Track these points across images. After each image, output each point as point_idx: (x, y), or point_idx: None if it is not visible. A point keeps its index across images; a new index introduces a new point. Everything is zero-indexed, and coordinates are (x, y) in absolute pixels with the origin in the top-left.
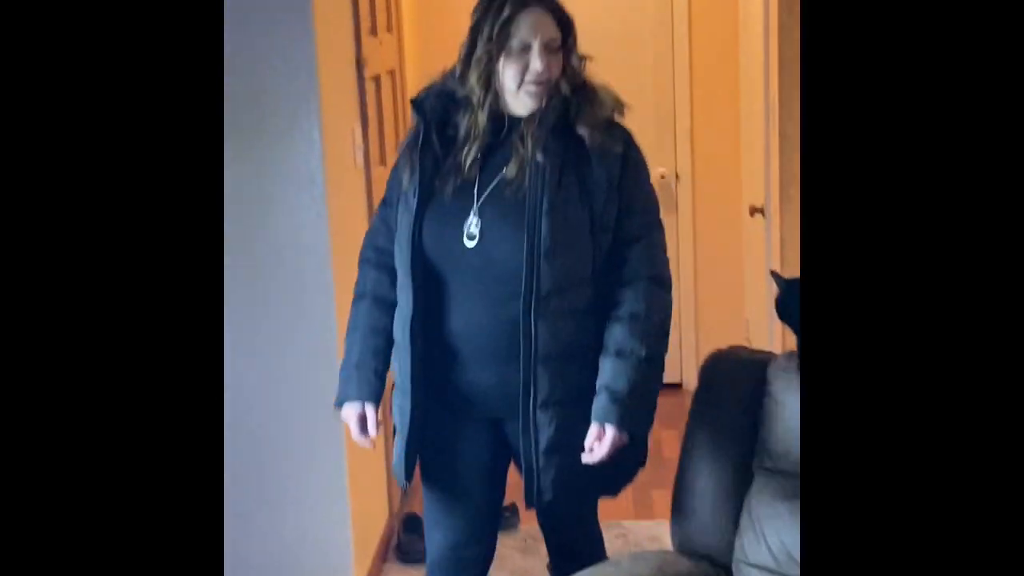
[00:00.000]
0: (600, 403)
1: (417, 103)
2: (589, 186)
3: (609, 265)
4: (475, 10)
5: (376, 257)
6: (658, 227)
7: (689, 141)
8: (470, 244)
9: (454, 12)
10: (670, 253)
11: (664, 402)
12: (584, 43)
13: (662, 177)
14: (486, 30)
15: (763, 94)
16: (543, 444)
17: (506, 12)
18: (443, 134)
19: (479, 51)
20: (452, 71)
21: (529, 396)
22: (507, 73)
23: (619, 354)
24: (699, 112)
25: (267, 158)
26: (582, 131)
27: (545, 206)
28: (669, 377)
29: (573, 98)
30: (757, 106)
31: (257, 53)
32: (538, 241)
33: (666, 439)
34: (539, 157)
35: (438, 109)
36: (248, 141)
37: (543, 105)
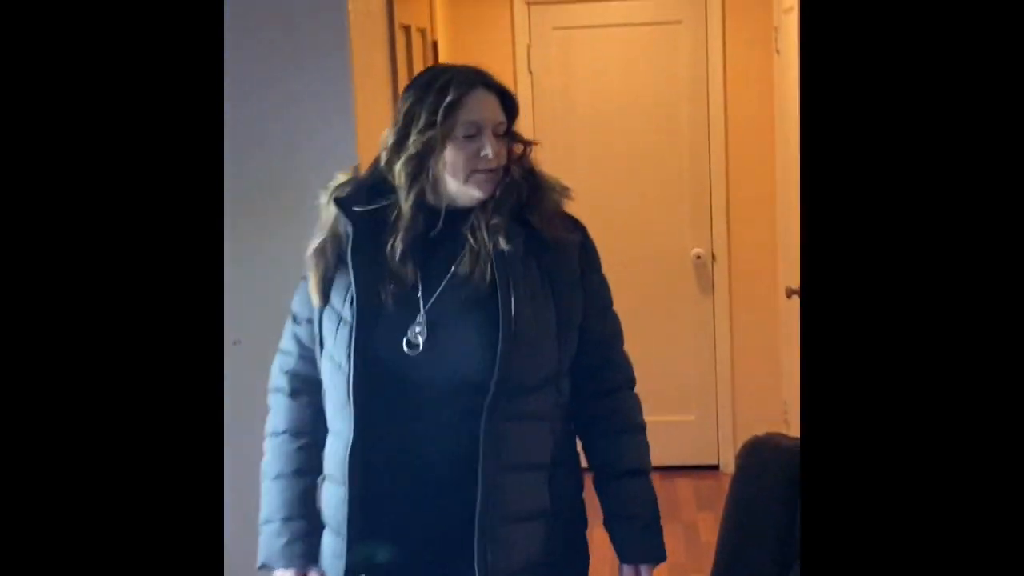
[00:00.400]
0: (631, 539)
1: (342, 202)
2: (552, 278)
3: (579, 367)
4: (406, 95)
5: (290, 384)
6: (619, 323)
7: (725, 221)
8: (415, 353)
9: None
10: (707, 333)
11: (701, 484)
12: (620, 123)
13: (698, 258)
14: (424, 115)
15: (799, 174)
16: (504, 567)
17: (451, 95)
18: (375, 236)
19: (413, 138)
20: (376, 161)
21: (487, 509)
22: (455, 162)
23: (631, 474)
24: (735, 192)
25: (304, 223)
26: (537, 220)
27: (515, 297)
28: (706, 458)
29: (524, 185)
30: (793, 186)
31: (297, 121)
32: (508, 336)
33: (702, 521)
34: (503, 245)
35: (364, 202)
36: (287, 209)
37: (496, 193)
